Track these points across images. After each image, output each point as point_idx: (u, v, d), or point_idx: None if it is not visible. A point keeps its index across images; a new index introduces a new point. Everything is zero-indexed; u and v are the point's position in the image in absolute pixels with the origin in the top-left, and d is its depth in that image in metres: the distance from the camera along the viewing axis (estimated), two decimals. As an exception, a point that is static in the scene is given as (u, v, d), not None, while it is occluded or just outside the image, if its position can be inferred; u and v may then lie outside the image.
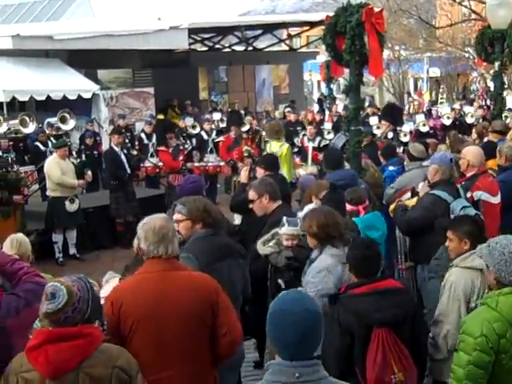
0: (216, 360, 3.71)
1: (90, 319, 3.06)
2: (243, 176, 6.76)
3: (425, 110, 20.25)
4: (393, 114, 11.10)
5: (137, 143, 14.46)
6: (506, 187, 6.43)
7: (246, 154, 12.89)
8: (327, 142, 14.10)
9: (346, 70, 8.94)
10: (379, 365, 3.76)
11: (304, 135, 14.36)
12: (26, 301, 3.51)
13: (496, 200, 6.24)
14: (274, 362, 2.54)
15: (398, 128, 13.00)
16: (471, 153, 6.50)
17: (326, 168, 7.36)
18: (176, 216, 4.62)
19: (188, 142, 14.39)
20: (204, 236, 4.51)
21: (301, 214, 5.83)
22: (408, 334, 3.89)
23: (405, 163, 7.85)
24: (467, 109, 17.54)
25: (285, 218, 5.10)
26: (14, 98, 14.80)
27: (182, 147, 12.71)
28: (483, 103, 22.14)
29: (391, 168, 8.06)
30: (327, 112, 18.12)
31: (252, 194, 5.69)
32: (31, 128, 12.62)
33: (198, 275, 3.78)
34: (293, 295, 2.63)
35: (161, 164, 12.68)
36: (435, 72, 33.08)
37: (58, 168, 9.94)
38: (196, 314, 3.56)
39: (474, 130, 10.59)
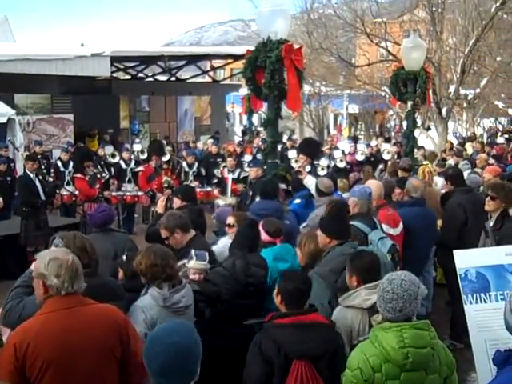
0: None
1: None
2: (160, 206, 6.73)
3: (342, 146, 20.73)
4: (310, 148, 11.28)
5: (52, 170, 14.14)
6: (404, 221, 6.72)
7: (165, 185, 12.82)
8: (247, 174, 14.24)
9: (265, 104, 9.08)
10: None
11: (224, 166, 14.44)
12: None
13: (395, 231, 6.48)
14: None
15: (316, 162, 13.24)
16: (376, 186, 6.77)
17: (259, 196, 7.43)
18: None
19: (106, 170, 14.19)
20: None
21: (216, 248, 5.85)
22: (327, 369, 3.90)
23: (313, 199, 7.92)
24: (384, 145, 18.10)
25: (193, 252, 5.08)
26: None
27: (99, 175, 12.50)
28: (399, 140, 22.89)
29: (297, 201, 8.11)
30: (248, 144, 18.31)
31: (164, 233, 5.65)
32: None
33: (105, 307, 3.69)
34: (168, 326, 2.67)
35: (77, 192, 12.42)
36: (354, 109, 34.08)
37: None
38: (106, 348, 3.49)
39: (387, 168, 11.01)
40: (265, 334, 3.95)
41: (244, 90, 26.86)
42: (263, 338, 3.92)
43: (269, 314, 4.08)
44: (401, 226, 6.73)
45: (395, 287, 3.49)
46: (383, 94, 25.01)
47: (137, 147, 15.81)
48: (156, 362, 2.48)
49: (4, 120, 15.44)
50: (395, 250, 5.80)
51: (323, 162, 13.97)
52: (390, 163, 12.19)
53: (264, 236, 5.62)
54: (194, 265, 5.03)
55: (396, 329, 3.45)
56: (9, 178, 13.58)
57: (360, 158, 16.57)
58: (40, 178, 11.10)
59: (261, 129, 20.97)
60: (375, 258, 4.39)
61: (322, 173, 12.76)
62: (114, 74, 23.38)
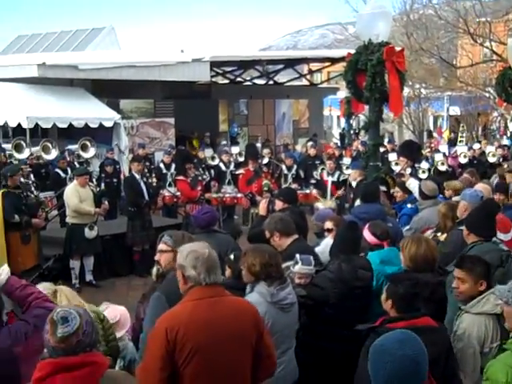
0: (255, 381, 3.73)
1: (95, 343, 3.06)
2: (262, 208, 6.78)
3: (442, 149, 20.25)
4: (411, 151, 11.11)
5: (155, 173, 14.58)
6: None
7: (265, 189, 12.92)
8: (346, 176, 14.16)
9: (366, 107, 9.02)
10: None
11: (323, 169, 14.42)
12: (35, 327, 3.46)
13: (506, 237, 6.23)
14: None
15: (417, 165, 13.01)
16: (483, 189, 6.55)
17: (360, 200, 7.40)
18: (161, 246, 4.53)
19: (206, 172, 14.50)
20: None
21: (318, 249, 5.84)
22: (440, 373, 3.82)
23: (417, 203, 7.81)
24: (489, 148, 17.52)
25: (298, 256, 5.06)
26: (36, 125, 15.01)
27: (200, 178, 12.78)
28: (504, 143, 22.09)
29: (409, 206, 8.03)
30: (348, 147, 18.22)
31: (267, 234, 5.74)
32: (53, 155, 12.82)
33: (241, 300, 3.85)
34: (399, 336, 2.62)
35: (179, 194, 12.75)
36: (455, 110, 33.12)
37: (75, 195, 10.03)
38: (246, 338, 3.60)
39: (497, 171, 10.56)
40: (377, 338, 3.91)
41: (342, 93, 26.76)
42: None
43: (379, 318, 4.04)
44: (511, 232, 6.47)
45: None
46: (487, 95, 24.23)
47: (235, 150, 16.06)
48: (384, 374, 2.47)
49: (110, 124, 16.11)
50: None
51: (424, 164, 13.70)
52: (500, 168, 11.72)
53: (371, 238, 5.57)
54: (299, 269, 5.02)
55: None
56: (115, 180, 14.14)
57: (463, 160, 16.10)
58: (144, 179, 11.48)
59: (360, 131, 20.85)
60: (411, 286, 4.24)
61: (423, 176, 12.52)
62: (213, 79, 23.83)
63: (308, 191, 14.17)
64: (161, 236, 4.63)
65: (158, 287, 4.38)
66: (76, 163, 13.42)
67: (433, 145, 21.64)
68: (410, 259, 4.96)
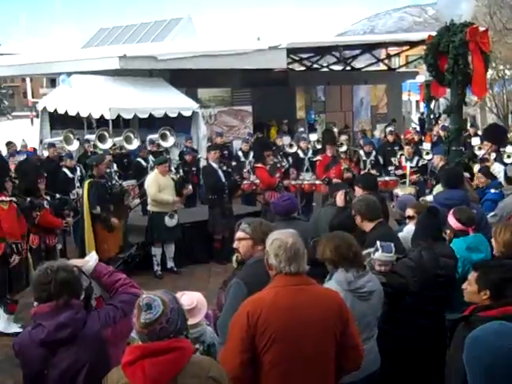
0: (340, 372, 3.74)
1: (181, 330, 3.09)
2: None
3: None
4: (495, 135, 10.72)
5: (233, 161, 14.69)
6: None
7: (345, 168, 12.77)
8: (425, 162, 13.86)
9: (447, 90, 8.78)
10: None
11: (402, 155, 14.17)
12: (123, 311, 3.56)
13: None
14: None
15: (502, 149, 12.58)
16: None
17: (442, 186, 7.25)
18: (239, 234, 4.56)
19: (284, 160, 14.48)
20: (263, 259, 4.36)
21: (401, 235, 5.75)
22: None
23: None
24: None
25: (378, 243, 4.99)
26: (118, 116, 15.38)
27: (278, 165, 12.77)
28: None
29: (493, 191, 7.78)
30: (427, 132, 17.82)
31: (353, 211, 5.74)
32: (135, 145, 13.10)
33: (327, 289, 3.85)
34: (495, 327, 2.58)
35: (257, 181, 12.80)
36: (544, 92, 31.73)
37: (155, 185, 10.23)
38: (329, 327, 3.60)
39: None
40: (471, 329, 3.79)
41: (421, 77, 26.18)
42: (468, 333, 3.76)
43: (467, 308, 3.93)
44: None
45: None
46: None
47: (313, 137, 15.97)
48: (480, 366, 2.41)
49: (189, 113, 16.32)
50: None
51: (509, 149, 13.23)
52: None
53: (456, 224, 5.43)
54: (380, 256, 4.96)
55: None
56: (194, 168, 14.34)
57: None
58: (224, 168, 11.58)
59: (440, 116, 20.32)
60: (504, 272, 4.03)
61: (508, 161, 12.10)
62: (290, 66, 23.73)
63: (387, 178, 13.94)
64: (238, 224, 4.67)
65: (238, 274, 4.43)
66: (152, 154, 13.65)
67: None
68: (504, 245, 4.81)
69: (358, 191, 6.75)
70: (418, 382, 4.80)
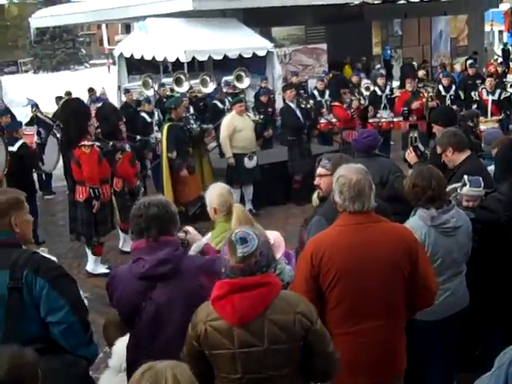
0: (411, 310, 3.70)
1: (270, 264, 3.10)
2: (412, 158, 5.87)
3: None
4: None
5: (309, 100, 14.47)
6: None
7: (429, 96, 12.38)
8: (508, 94, 13.28)
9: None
10: None
11: (483, 88, 13.63)
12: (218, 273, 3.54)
13: None
14: None
15: None
16: None
17: None
18: (319, 170, 4.51)
19: (361, 98, 14.17)
20: None
21: (491, 168, 5.53)
22: None
23: None
24: None
25: (466, 178, 4.83)
26: (193, 58, 15.39)
27: (356, 102, 12.48)
28: None
29: None
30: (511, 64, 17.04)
31: (438, 149, 5.56)
32: (211, 88, 13.13)
33: (397, 226, 3.75)
34: None
35: (334, 120, 12.61)
36: None
37: (228, 127, 10.14)
38: (396, 265, 3.54)
39: None
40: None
41: (505, 5, 24.88)
42: None
43: None
44: None
45: None
46: None
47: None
48: None
49: (263, 53, 16.16)
50: None
51: None
52: None
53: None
54: (467, 191, 4.80)
55: None
56: (270, 109, 14.26)
57: None
58: (301, 106, 11.43)
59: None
60: None
61: None
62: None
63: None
64: (319, 160, 4.61)
65: (319, 211, 4.41)
66: (228, 96, 13.64)
67: None
68: None
69: (438, 129, 6.47)
70: (508, 319, 4.70)
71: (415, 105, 12.58)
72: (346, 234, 3.55)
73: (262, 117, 11.42)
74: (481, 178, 4.82)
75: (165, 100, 12.83)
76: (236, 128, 10.18)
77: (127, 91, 14.23)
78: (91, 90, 16.98)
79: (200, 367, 3.11)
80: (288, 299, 3.07)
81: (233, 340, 2.97)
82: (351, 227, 3.56)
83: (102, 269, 8.33)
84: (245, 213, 4.44)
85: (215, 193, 4.54)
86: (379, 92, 14.04)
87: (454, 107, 13.41)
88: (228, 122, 10.28)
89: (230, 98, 13.17)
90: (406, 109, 12.53)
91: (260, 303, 2.98)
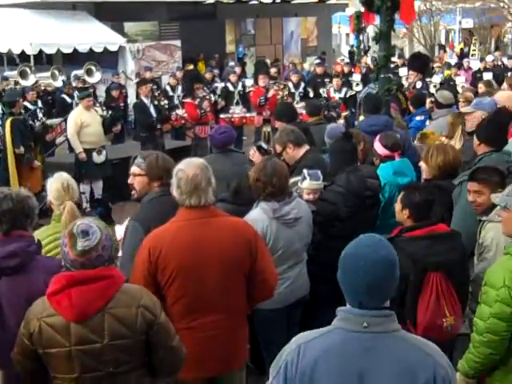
0: (250, 302, 3.72)
1: (113, 259, 3.03)
2: (256, 159, 5.73)
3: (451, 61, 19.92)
4: (420, 63, 10.75)
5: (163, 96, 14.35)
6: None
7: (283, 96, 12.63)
8: (353, 92, 13.91)
9: (377, 18, 8.73)
10: (432, 309, 3.73)
11: (330, 87, 14.21)
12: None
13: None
14: (343, 308, 2.40)
15: (428, 79, 12.71)
16: (506, 98, 6.32)
17: (363, 112, 7.22)
18: (133, 169, 4.23)
19: (212, 95, 14.21)
20: (160, 195, 4.08)
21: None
22: (458, 279, 3.83)
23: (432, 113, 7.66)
24: (505, 60, 17.16)
25: (306, 172, 4.92)
26: (41, 51, 14.77)
27: (208, 97, 12.50)
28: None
29: (418, 118, 7.88)
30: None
31: (277, 148, 5.59)
32: (60, 81, 12.65)
33: (236, 221, 3.74)
34: (371, 239, 2.45)
35: (186, 115, 12.58)
36: (468, 23, 32.22)
37: (75, 122, 9.83)
38: (235, 260, 3.54)
39: (505, 81, 10.21)
40: (397, 249, 3.82)
41: (351, 9, 26.00)
42: (398, 254, 3.79)
43: (394, 229, 3.99)
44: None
45: None
46: (502, 5, 23.51)
47: (248, 82, 15.34)
48: (361, 279, 2.31)
49: (115, 48, 15.83)
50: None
51: (436, 79, 13.42)
52: (509, 77, 11.44)
53: (382, 150, 5.43)
54: (308, 185, 4.89)
55: None
56: (122, 104, 14.00)
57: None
58: (155, 102, 11.31)
59: (371, 45, 20.30)
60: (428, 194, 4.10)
61: (434, 90, 12.27)
62: (219, -2, 23.25)
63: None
64: (134, 157, 4.33)
65: (134, 214, 4.20)
66: (77, 90, 13.22)
67: (441, 56, 21.26)
68: (438, 168, 4.81)
69: (281, 125, 6.57)
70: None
71: (271, 92, 12.81)
72: (184, 229, 3.51)
73: (110, 112, 11.11)
74: (319, 172, 4.94)
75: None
76: (84, 123, 9.87)
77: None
78: None
79: (33, 367, 2.99)
80: (131, 293, 2.99)
81: (69, 337, 2.85)
82: (189, 222, 3.52)
83: None
84: (73, 211, 4.14)
85: (54, 186, 4.32)
86: (232, 88, 14.19)
87: (302, 104, 13.87)
88: (75, 116, 9.93)
89: (77, 93, 12.76)
90: (262, 98, 12.72)
91: (100, 297, 2.88)
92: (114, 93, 13.98)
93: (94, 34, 15.82)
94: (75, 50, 15.07)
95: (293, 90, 14.45)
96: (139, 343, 2.95)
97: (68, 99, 13.23)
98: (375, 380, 2.27)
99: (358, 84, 14.21)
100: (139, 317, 2.92)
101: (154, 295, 3.12)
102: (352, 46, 26.24)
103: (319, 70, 16.11)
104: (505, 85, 9.69)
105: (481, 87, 9.74)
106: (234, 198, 4.68)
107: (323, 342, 2.35)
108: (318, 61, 17.88)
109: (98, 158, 10.01)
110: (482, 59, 18.00)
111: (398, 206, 4.06)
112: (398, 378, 2.27)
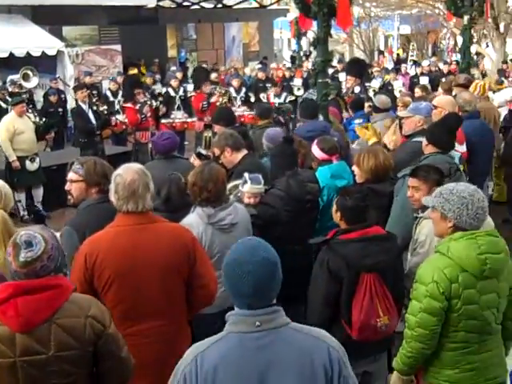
0: (191, 310, 3.71)
1: (61, 268, 2.95)
2: (196, 164, 5.75)
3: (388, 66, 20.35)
4: (358, 68, 10.94)
5: (103, 101, 14.16)
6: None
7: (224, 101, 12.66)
8: (293, 98, 14.05)
9: (315, 23, 8.81)
10: (366, 309, 3.78)
11: (271, 92, 14.35)
12: None
13: (462, 149, 6.27)
14: (233, 312, 2.44)
15: (367, 84, 12.93)
16: (445, 102, 6.49)
17: (300, 117, 7.29)
18: (71, 175, 4.14)
19: (153, 101, 14.11)
20: (97, 202, 4.05)
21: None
22: (391, 279, 3.90)
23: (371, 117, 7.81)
24: (441, 65, 17.62)
25: (247, 175, 4.91)
26: (-26, 55, 14.39)
27: (149, 102, 12.41)
28: (452, 59, 22.29)
29: (357, 121, 8.02)
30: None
31: (215, 151, 5.59)
32: (-4, 86, 12.33)
33: (174, 226, 3.72)
34: (249, 243, 2.49)
35: (127, 120, 12.44)
36: (405, 29, 32.98)
37: (7, 129, 9.56)
38: (173, 266, 3.52)
39: (440, 86, 10.51)
40: (331, 251, 3.90)
41: (292, 15, 26.21)
42: (330, 256, 3.87)
43: (330, 231, 4.03)
44: (465, 144, 6.49)
45: (476, 195, 3.40)
46: (437, 11, 24.11)
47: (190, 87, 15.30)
48: (247, 283, 2.35)
49: (53, 52, 15.53)
50: (463, 161, 5.82)
51: (375, 83, 13.67)
52: (444, 82, 11.75)
53: (319, 154, 5.49)
54: (249, 189, 4.88)
55: (470, 237, 3.36)
56: (60, 109, 13.74)
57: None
58: (94, 108, 11.13)
59: (311, 53, 20.57)
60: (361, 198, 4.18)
61: (372, 95, 12.49)
62: (160, 3, 23.06)
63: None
64: (71, 164, 4.23)
65: (69, 220, 4.15)
66: (12, 96, 12.92)
67: (380, 62, 21.67)
68: (371, 171, 4.94)
69: (220, 129, 6.58)
70: (290, 304, 4.89)
71: (214, 98, 12.82)
72: (121, 235, 3.48)
73: (44, 119, 10.87)
74: (260, 176, 4.96)
75: None
76: (17, 130, 9.59)
77: None
78: None
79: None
80: (79, 303, 2.92)
81: (14, 348, 2.76)
82: (127, 228, 3.50)
83: None
84: (4, 220, 4.02)
85: None
86: (173, 93, 14.12)
87: (244, 108, 13.93)
88: (7, 123, 9.64)
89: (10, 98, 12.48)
90: (205, 103, 12.70)
91: (47, 307, 2.80)
92: (52, 98, 13.72)
93: (31, 38, 15.47)
94: (11, 54, 14.71)
95: (234, 95, 14.50)
96: (87, 354, 2.89)
97: (3, 104, 12.92)
98: (278, 373, 2.36)
99: (299, 89, 14.36)
100: (88, 327, 2.86)
101: (103, 305, 3.07)
102: (294, 51, 26.54)
103: (261, 75, 16.23)
104: (440, 89, 9.97)
105: (417, 92, 10.01)
106: (166, 206, 4.64)
107: (219, 349, 2.40)
108: (259, 66, 17.97)
109: (32, 166, 9.78)
110: (418, 64, 18.43)
111: (333, 208, 4.12)
112: (298, 365, 2.38)
